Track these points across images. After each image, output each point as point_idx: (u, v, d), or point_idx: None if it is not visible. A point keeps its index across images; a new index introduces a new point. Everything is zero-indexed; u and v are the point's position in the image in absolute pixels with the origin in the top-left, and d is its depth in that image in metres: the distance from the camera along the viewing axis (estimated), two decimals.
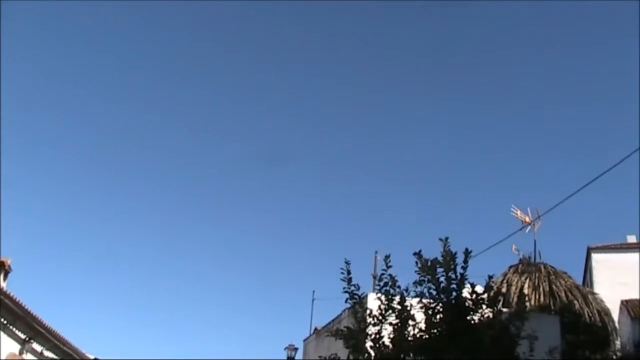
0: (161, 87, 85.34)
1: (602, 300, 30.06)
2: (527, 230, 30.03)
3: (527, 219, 29.95)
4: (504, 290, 26.68)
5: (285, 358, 29.41)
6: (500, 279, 28.15)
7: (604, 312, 28.82)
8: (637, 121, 72.85)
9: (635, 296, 36.98)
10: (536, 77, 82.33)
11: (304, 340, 28.12)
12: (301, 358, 28.47)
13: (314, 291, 31.10)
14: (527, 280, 28.08)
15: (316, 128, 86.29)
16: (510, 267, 29.89)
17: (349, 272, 12.93)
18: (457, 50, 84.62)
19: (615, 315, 32.24)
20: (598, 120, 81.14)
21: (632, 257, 45.05)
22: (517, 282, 27.98)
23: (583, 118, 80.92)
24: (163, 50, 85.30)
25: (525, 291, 27.11)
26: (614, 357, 28.25)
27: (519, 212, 30.79)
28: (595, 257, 45.63)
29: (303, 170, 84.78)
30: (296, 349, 29.01)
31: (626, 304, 34.21)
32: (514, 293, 26.85)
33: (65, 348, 31.33)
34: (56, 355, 31.02)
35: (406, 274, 12.87)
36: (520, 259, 30.36)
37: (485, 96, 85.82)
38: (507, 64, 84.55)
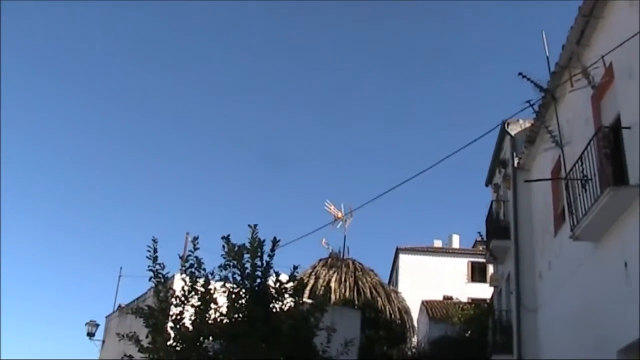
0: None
1: (404, 299, 31.20)
2: (338, 226, 30.38)
3: (340, 215, 30.26)
4: (312, 282, 27.12)
5: (86, 334, 28.47)
6: (309, 271, 28.55)
7: (405, 311, 29.92)
8: (442, 134, 76.68)
9: (435, 297, 38.88)
10: (365, 85, 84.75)
11: (107, 317, 27.45)
12: (102, 335, 27.78)
13: (121, 267, 30.26)
14: (335, 274, 28.61)
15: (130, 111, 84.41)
16: (320, 260, 30.32)
17: (155, 251, 12.65)
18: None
19: (415, 314, 33.62)
20: (408, 131, 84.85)
21: (436, 260, 47.43)
22: (325, 275, 28.46)
23: (395, 130, 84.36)
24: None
25: (332, 285, 27.71)
26: (409, 353, 29.36)
27: (332, 207, 31.12)
28: (403, 257, 47.65)
29: (124, 148, 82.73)
30: (97, 325, 28.17)
31: (426, 305, 35.87)
32: (322, 285, 27.37)
33: None
34: None
35: (216, 257, 12.80)
36: (330, 253, 30.80)
37: (304, 103, 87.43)
38: (332, 66, 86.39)
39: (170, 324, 12.41)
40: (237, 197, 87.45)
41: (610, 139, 11.43)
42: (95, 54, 79.89)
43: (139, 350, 12.42)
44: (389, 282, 44.20)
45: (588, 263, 13.34)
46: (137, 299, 21.80)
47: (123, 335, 12.73)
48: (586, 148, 11.91)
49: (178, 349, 12.22)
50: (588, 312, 13.28)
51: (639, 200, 10.63)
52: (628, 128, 11.18)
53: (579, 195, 12.34)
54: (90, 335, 28.12)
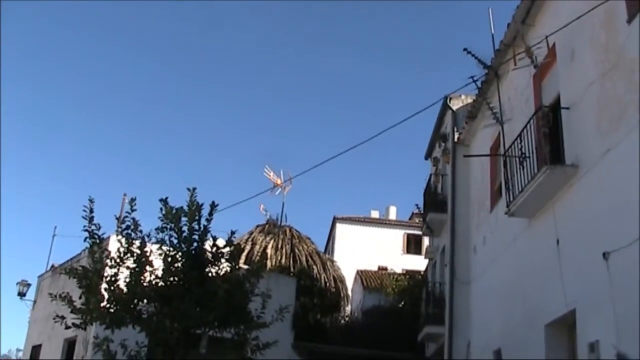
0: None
1: (339, 268, 31.32)
2: (277, 192, 30.26)
3: (279, 181, 30.13)
4: (248, 247, 27.05)
5: (17, 293, 27.95)
6: (245, 237, 28.43)
7: (340, 279, 30.05)
8: (384, 105, 77.08)
9: (370, 268, 39.31)
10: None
11: (39, 277, 26.99)
12: (34, 295, 27.33)
13: (55, 227, 29.59)
14: (272, 241, 28.52)
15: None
16: (257, 226, 30.23)
17: (91, 211, 12.47)
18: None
19: (350, 283, 33.89)
20: (349, 101, 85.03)
21: (372, 231, 47.85)
22: (261, 242, 28.35)
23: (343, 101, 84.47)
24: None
25: (268, 251, 27.67)
26: (342, 321, 29.63)
27: (271, 174, 30.98)
28: (340, 227, 47.94)
29: (61, 103, 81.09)
30: (29, 285, 27.65)
31: (361, 274, 36.27)
32: (258, 252, 27.34)
33: None
34: None
35: (153, 220, 12.70)
36: (267, 220, 30.73)
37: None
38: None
39: (104, 285, 12.29)
40: (177, 159, 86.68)
41: (549, 118, 11.62)
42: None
43: (71, 311, 12.31)
44: (325, 251, 44.44)
45: (521, 239, 13.60)
46: (71, 259, 21.44)
47: (55, 296, 12.60)
48: (525, 126, 12.09)
49: (112, 310, 12.14)
50: (519, 287, 13.57)
51: (573, 179, 10.87)
52: (567, 108, 11.37)
53: (516, 172, 12.55)
54: (21, 295, 27.58)
